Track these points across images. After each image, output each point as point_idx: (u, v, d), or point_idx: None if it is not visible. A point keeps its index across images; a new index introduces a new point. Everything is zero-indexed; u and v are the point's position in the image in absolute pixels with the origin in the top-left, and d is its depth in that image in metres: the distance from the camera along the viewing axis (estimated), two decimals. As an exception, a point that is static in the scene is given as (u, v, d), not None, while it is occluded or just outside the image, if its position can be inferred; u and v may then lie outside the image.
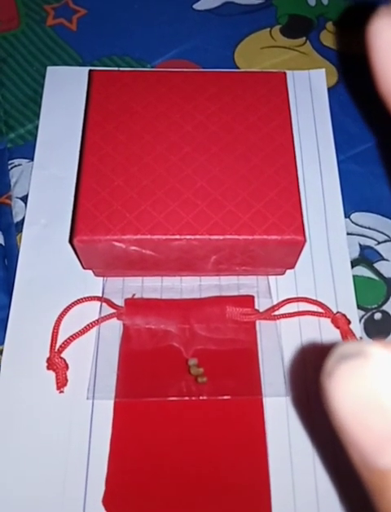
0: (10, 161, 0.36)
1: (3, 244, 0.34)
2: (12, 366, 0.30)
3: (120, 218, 0.28)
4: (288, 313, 0.31)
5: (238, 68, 0.40)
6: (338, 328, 0.31)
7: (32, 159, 0.36)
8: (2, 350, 0.30)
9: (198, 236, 0.28)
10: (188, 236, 0.28)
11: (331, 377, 0.10)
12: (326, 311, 0.31)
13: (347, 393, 0.09)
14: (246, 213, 0.29)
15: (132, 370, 0.29)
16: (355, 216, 0.35)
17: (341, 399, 0.09)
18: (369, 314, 0.32)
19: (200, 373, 0.29)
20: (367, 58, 0.11)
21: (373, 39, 0.11)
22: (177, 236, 0.28)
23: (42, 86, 0.39)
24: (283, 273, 0.32)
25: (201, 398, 0.28)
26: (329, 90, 0.40)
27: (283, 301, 0.31)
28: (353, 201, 0.35)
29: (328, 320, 0.31)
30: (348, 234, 0.34)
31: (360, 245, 0.34)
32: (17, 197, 0.35)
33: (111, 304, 0.31)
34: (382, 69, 0.11)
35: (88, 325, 0.30)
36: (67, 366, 0.29)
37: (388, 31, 0.10)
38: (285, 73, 0.34)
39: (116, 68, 0.40)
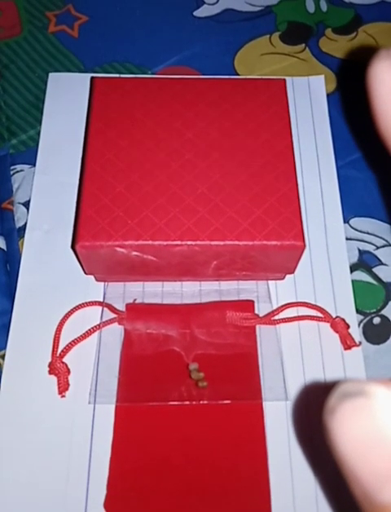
0: (12, 167, 0.37)
1: (5, 249, 0.34)
2: (14, 371, 0.30)
3: (122, 224, 0.29)
4: (288, 318, 0.31)
5: (238, 74, 0.41)
6: (337, 332, 0.31)
7: (34, 165, 0.36)
8: (4, 355, 0.30)
9: (199, 242, 0.28)
10: (189, 242, 0.28)
11: (333, 414, 0.10)
12: (325, 316, 0.31)
13: (349, 430, 0.10)
14: (246, 219, 0.29)
15: (133, 375, 0.30)
16: (354, 221, 0.35)
17: (343, 436, 0.10)
18: (368, 318, 0.32)
19: (201, 378, 0.29)
20: (367, 99, 0.11)
21: (373, 83, 0.11)
22: (179, 242, 0.28)
23: (44, 92, 0.39)
24: (282, 278, 0.33)
25: (202, 402, 0.29)
26: (328, 96, 0.40)
27: (283, 305, 0.32)
28: (352, 207, 0.36)
29: (327, 325, 0.31)
30: (347, 239, 0.34)
31: (359, 250, 0.34)
32: (19, 203, 0.35)
33: (112, 309, 0.31)
34: (382, 113, 0.11)
35: (89, 330, 0.31)
36: (68, 371, 0.30)
37: (388, 74, 0.10)
38: (285, 80, 0.34)
39: (118, 75, 0.40)
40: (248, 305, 0.32)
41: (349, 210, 0.36)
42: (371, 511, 0.10)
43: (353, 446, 0.10)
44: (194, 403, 0.29)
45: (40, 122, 0.38)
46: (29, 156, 0.37)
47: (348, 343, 0.31)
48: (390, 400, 0.09)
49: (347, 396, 0.10)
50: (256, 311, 0.31)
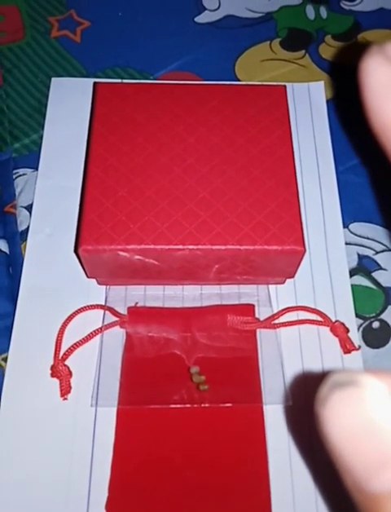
0: (15, 171, 0.37)
1: (8, 252, 0.34)
2: (17, 373, 0.30)
3: (125, 228, 0.29)
4: (288, 322, 0.32)
5: (238, 80, 0.41)
6: (337, 336, 0.31)
7: (36, 169, 0.37)
8: (6, 358, 0.30)
9: (200, 246, 0.29)
10: (191, 246, 0.29)
11: (324, 404, 0.10)
12: (325, 320, 0.32)
13: (340, 420, 0.10)
14: (247, 223, 0.29)
15: (135, 378, 0.30)
16: (354, 226, 0.36)
17: (334, 426, 0.10)
18: (367, 322, 0.32)
19: (202, 381, 0.29)
20: (359, 95, 0.11)
21: (365, 78, 0.11)
22: (180, 246, 0.29)
23: (47, 96, 0.39)
24: (282, 282, 0.33)
25: (203, 405, 0.29)
26: (328, 102, 0.40)
27: (283, 309, 0.32)
28: (351, 212, 0.36)
29: (327, 329, 0.32)
30: (346, 244, 0.35)
31: (358, 255, 0.35)
32: (22, 206, 0.35)
33: (114, 312, 0.31)
34: (374, 107, 0.11)
35: (91, 333, 0.31)
36: (70, 373, 0.30)
37: (380, 70, 0.11)
38: (285, 87, 0.34)
39: (119, 80, 0.41)
40: (248, 309, 0.32)
41: (349, 215, 0.36)
42: (362, 500, 0.10)
43: (343, 435, 0.10)
44: (195, 406, 0.29)
45: (42, 126, 0.38)
46: (32, 160, 0.37)
47: (347, 347, 0.31)
48: (380, 390, 0.10)
49: (338, 386, 0.10)
50: (256, 315, 0.32)
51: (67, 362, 0.30)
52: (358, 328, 0.32)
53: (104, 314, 0.31)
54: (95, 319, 0.31)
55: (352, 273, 0.34)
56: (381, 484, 0.10)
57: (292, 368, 0.31)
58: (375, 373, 0.10)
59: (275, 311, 0.32)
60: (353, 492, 0.10)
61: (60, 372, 0.30)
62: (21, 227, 0.35)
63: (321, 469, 0.28)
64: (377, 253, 0.35)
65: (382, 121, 0.11)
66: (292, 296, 0.33)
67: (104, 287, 0.32)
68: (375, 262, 0.35)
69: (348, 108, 0.40)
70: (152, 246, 0.29)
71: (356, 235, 0.35)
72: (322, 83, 0.41)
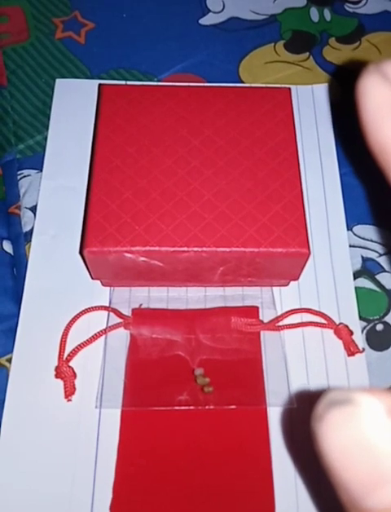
0: (19, 172, 0.37)
1: (12, 253, 0.34)
2: (21, 374, 0.30)
3: (130, 230, 0.29)
4: (292, 324, 0.32)
5: (242, 82, 0.41)
6: (341, 339, 0.31)
7: (41, 170, 0.37)
8: (10, 359, 0.30)
9: (205, 248, 0.29)
10: (195, 248, 0.29)
11: (321, 421, 0.10)
12: (329, 322, 0.32)
13: (336, 437, 0.10)
14: (252, 226, 0.29)
15: (139, 379, 0.30)
16: (357, 228, 0.36)
17: (330, 443, 0.10)
18: (371, 325, 0.33)
19: (207, 383, 0.29)
20: (357, 114, 0.11)
21: (362, 97, 0.11)
22: (185, 248, 0.29)
23: (51, 97, 0.40)
24: (286, 284, 0.33)
25: (207, 407, 0.29)
26: (331, 104, 0.40)
27: (287, 312, 0.32)
28: (355, 214, 0.36)
29: (331, 331, 0.32)
30: (350, 246, 0.35)
31: (362, 257, 0.35)
32: (26, 207, 0.35)
33: (118, 314, 0.31)
34: (372, 127, 0.11)
35: (95, 334, 0.31)
36: (75, 375, 0.30)
37: (377, 89, 0.11)
38: (290, 89, 0.34)
39: (123, 82, 0.41)
40: (252, 311, 0.32)
41: (353, 218, 0.36)
42: None
43: (339, 453, 0.10)
44: (199, 408, 0.29)
45: (47, 128, 0.38)
46: (36, 162, 0.37)
47: (351, 350, 0.31)
48: (376, 409, 0.10)
49: (334, 404, 0.10)
50: (260, 317, 0.32)
51: (71, 363, 0.30)
52: (362, 331, 0.32)
53: (108, 315, 0.31)
54: (99, 320, 0.31)
55: (356, 275, 0.34)
56: (376, 502, 0.10)
57: (295, 370, 0.31)
58: (371, 392, 0.10)
59: (279, 314, 0.32)
60: (349, 508, 0.10)
61: (64, 373, 0.30)
62: (25, 229, 0.35)
63: (324, 471, 0.28)
64: (381, 255, 0.35)
65: (380, 142, 0.11)
66: (296, 298, 0.33)
67: (108, 288, 0.32)
68: (379, 264, 0.35)
69: (351, 110, 0.40)
70: (157, 248, 0.29)
71: (360, 237, 0.35)
72: (325, 85, 0.41)
